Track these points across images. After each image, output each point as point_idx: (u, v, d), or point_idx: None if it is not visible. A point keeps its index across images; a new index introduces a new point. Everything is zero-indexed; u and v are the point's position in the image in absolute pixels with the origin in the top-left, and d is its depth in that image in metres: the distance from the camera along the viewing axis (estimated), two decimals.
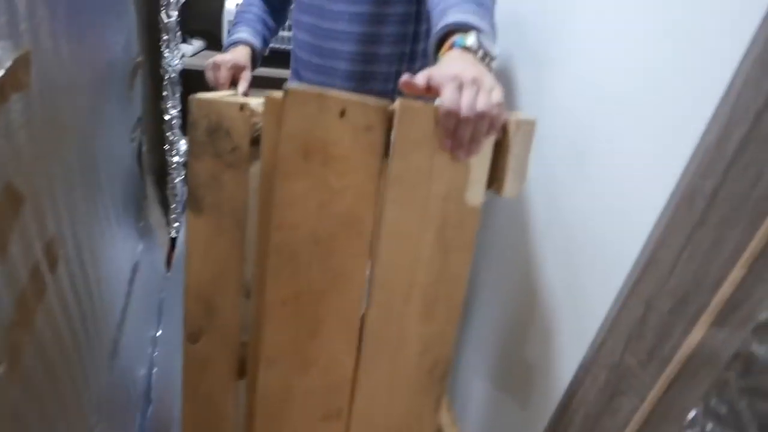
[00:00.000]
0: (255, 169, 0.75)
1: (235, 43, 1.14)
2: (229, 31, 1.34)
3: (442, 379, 0.86)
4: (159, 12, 1.62)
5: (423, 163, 0.70)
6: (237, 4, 1.78)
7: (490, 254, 1.24)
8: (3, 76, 0.48)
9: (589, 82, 0.90)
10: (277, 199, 0.70)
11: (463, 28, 0.71)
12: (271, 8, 1.25)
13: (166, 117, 1.79)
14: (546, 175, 1.00)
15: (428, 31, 1.09)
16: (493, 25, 0.76)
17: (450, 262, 0.77)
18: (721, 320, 0.60)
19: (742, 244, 0.56)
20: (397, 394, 0.85)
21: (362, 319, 0.79)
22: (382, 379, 0.83)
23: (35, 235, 0.59)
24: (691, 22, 0.68)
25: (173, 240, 1.91)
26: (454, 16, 0.72)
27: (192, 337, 0.81)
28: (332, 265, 0.74)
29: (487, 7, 0.77)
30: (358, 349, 0.80)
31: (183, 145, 1.90)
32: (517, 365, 1.10)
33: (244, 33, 1.15)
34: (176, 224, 1.93)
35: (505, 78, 1.20)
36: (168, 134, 1.82)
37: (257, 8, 1.22)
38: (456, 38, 0.70)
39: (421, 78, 0.65)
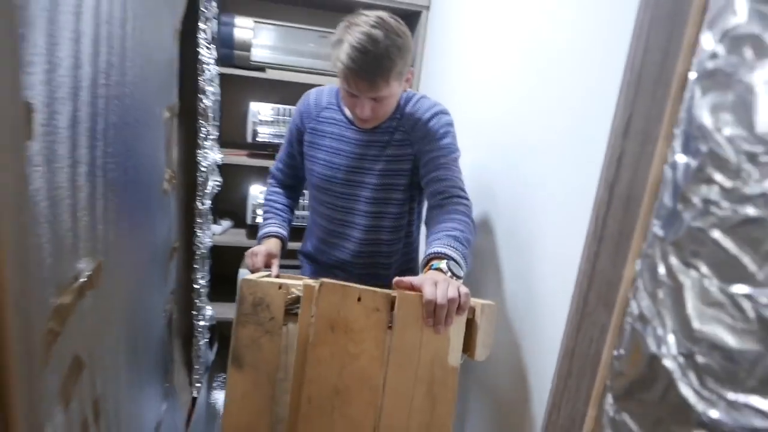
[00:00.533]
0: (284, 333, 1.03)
1: (267, 235, 1.41)
2: (257, 217, 1.63)
3: None
4: (195, 200, 1.97)
5: (415, 336, 0.97)
6: (260, 192, 2.15)
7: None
8: (83, 282, 0.72)
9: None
10: (309, 360, 0.96)
11: (440, 256, 1.05)
12: (293, 196, 1.56)
13: (196, 286, 2.05)
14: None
15: (419, 211, 1.47)
16: (465, 255, 1.08)
17: (437, 412, 0.99)
18: None
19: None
20: None
21: None
22: None
23: (88, 393, 0.79)
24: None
25: (194, 400, 2.04)
26: (435, 248, 1.07)
27: None
28: (350, 412, 0.97)
29: (462, 241, 1.10)
30: None
31: (209, 310, 2.14)
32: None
33: (274, 226, 1.43)
34: (198, 385, 2.08)
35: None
36: (196, 301, 2.06)
37: (283, 198, 1.52)
38: (433, 263, 1.05)
39: (407, 280, 0.98)
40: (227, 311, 2.17)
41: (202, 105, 1.85)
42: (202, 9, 1.76)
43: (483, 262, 1.39)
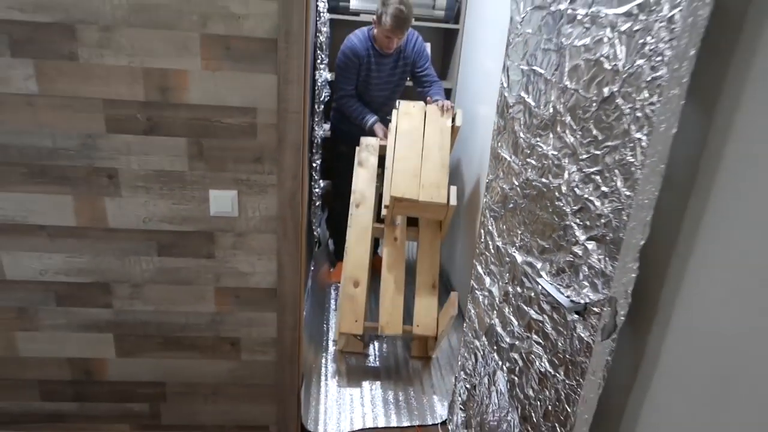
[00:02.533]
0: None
1: (375, 121, 2.68)
2: (361, 116, 2.74)
3: None
4: (314, 106, 3.01)
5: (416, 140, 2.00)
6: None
7: None
8: None
9: None
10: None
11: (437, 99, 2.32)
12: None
13: (314, 165, 3.12)
14: None
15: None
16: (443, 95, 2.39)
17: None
18: None
19: None
20: None
21: None
22: None
23: None
24: None
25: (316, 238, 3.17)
26: (436, 95, 2.42)
27: None
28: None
29: (442, 89, 2.37)
30: None
31: (321, 183, 3.22)
32: None
33: (374, 116, 2.75)
34: (318, 229, 3.20)
35: None
36: (315, 176, 3.15)
37: (361, 103, 2.72)
38: (436, 98, 2.39)
39: (430, 100, 2.40)
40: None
41: (320, 40, 2.87)
42: None
43: None
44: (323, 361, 2.45)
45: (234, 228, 1.63)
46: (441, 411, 2.18)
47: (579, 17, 1.13)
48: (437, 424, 2.13)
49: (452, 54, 3.31)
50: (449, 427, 2.04)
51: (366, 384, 2.32)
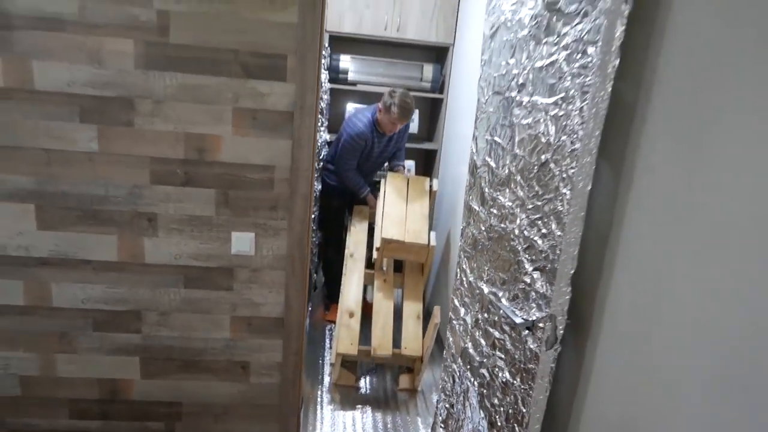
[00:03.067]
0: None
1: (368, 191, 3.09)
2: (359, 186, 3.14)
3: None
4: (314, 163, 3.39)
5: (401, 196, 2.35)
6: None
7: None
8: None
9: None
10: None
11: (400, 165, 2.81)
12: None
13: (312, 216, 3.47)
14: None
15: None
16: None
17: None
18: None
19: None
20: None
21: None
22: None
23: None
24: None
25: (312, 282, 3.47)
26: (399, 164, 2.94)
27: None
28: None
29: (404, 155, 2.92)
30: None
31: (317, 234, 3.55)
32: None
33: (367, 187, 3.12)
34: (314, 275, 3.50)
35: None
36: (313, 227, 3.49)
37: (360, 176, 3.11)
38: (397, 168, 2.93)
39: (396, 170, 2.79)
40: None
41: (321, 106, 3.28)
42: (323, 52, 3.19)
43: None
44: (319, 392, 2.69)
45: (250, 265, 1.94)
46: None
47: (524, 103, 1.51)
48: None
49: (437, 120, 3.74)
50: None
51: (357, 412, 2.56)
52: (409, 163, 3.78)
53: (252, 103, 1.78)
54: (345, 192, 3.23)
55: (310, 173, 1.86)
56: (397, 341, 2.77)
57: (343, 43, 3.60)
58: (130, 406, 2.06)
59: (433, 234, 2.90)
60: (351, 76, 3.51)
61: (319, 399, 2.63)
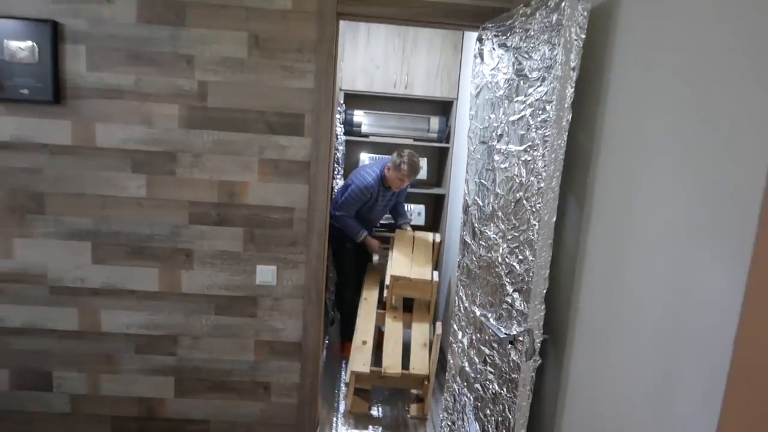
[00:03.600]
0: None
1: (365, 235, 3.33)
2: (356, 231, 3.44)
3: None
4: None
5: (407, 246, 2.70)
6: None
7: None
8: None
9: None
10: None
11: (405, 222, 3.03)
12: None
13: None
14: None
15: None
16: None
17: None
18: None
19: None
20: None
21: None
22: None
23: None
24: None
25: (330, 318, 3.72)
26: (404, 222, 3.15)
27: None
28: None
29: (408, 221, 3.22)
30: None
31: (332, 273, 3.83)
32: None
33: (365, 232, 3.38)
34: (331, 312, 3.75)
35: None
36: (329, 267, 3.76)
37: (358, 222, 3.38)
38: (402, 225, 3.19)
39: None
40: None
41: (337, 156, 3.62)
42: (338, 108, 3.56)
43: None
44: (334, 418, 2.89)
45: (272, 294, 2.21)
46: None
47: (502, 150, 1.80)
48: None
49: (445, 167, 4.05)
50: None
51: None
52: (419, 208, 4.07)
53: (275, 155, 2.10)
54: None
55: (325, 214, 2.15)
56: (405, 365, 3.00)
57: (357, 99, 3.98)
58: (164, 423, 2.30)
59: (435, 273, 3.24)
60: (364, 129, 3.86)
61: (334, 424, 2.82)
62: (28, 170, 2.07)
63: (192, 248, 2.16)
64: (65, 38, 1.99)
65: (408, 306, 3.47)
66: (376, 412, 3.01)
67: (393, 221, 3.82)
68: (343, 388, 3.23)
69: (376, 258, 3.36)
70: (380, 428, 2.78)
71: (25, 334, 2.20)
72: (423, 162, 4.03)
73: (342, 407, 3.01)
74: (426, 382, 2.94)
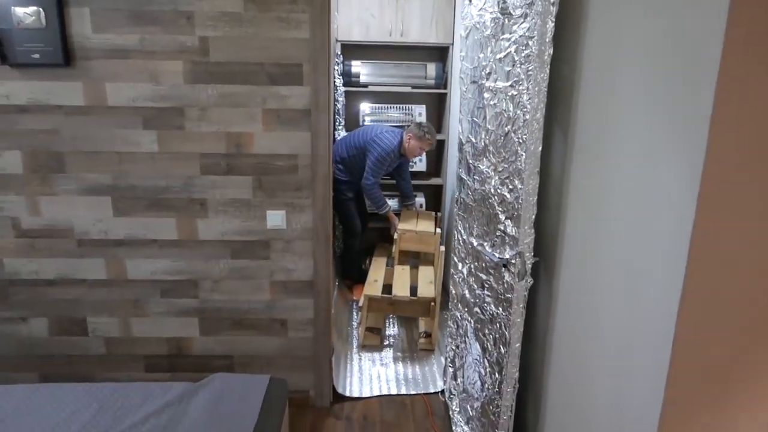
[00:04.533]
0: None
1: (389, 209, 3.60)
2: (383, 203, 3.61)
3: None
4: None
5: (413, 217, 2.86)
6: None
7: None
8: None
9: None
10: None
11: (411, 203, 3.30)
12: None
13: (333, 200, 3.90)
14: None
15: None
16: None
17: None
18: None
19: None
20: None
21: None
22: None
23: None
24: None
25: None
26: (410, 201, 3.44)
27: None
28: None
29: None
30: None
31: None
32: None
33: (389, 206, 3.63)
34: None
35: None
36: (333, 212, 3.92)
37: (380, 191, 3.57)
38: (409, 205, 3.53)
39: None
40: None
41: (337, 107, 3.71)
42: (335, 59, 3.62)
43: None
44: (349, 351, 3.11)
45: (283, 237, 2.37)
46: (440, 383, 2.81)
47: (491, 88, 1.90)
48: (437, 392, 2.75)
49: (443, 113, 4.13)
50: (444, 384, 2.67)
51: (382, 366, 2.96)
52: (418, 201, 4.25)
53: (276, 104, 2.21)
54: (355, 184, 3.65)
55: (328, 159, 2.28)
56: (413, 294, 3.26)
57: (353, 50, 4.03)
58: (193, 360, 2.52)
59: (438, 230, 3.57)
60: (363, 79, 3.93)
61: (349, 355, 3.05)
62: (46, 132, 2.20)
63: (205, 197, 2.30)
64: (69, 1, 2.07)
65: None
66: (387, 342, 3.23)
67: (402, 195, 4.03)
68: (355, 325, 3.45)
69: (396, 236, 3.60)
70: (391, 364, 3.00)
71: (59, 285, 2.38)
72: (422, 108, 4.10)
73: (355, 344, 3.23)
74: (432, 304, 3.15)
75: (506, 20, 1.78)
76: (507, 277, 1.85)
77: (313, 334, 2.51)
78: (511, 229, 1.81)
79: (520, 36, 1.68)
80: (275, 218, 2.33)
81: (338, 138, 3.78)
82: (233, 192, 2.30)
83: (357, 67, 3.91)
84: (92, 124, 2.21)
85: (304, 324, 2.50)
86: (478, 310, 2.10)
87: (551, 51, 1.60)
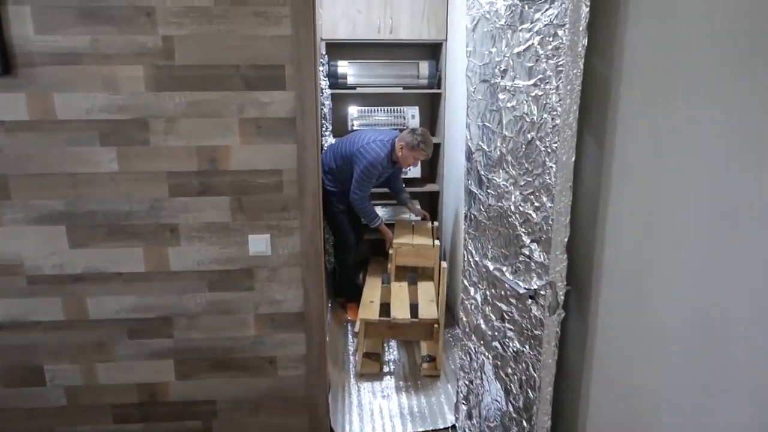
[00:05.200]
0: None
1: (380, 222, 3.29)
2: (373, 216, 3.34)
3: None
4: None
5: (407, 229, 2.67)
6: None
7: None
8: None
9: None
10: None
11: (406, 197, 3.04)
12: None
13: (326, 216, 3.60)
14: None
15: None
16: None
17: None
18: None
19: None
20: None
21: None
22: None
23: None
24: None
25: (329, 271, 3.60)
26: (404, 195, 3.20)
27: None
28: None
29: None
30: None
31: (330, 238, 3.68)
32: None
33: (380, 219, 3.33)
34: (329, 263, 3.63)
35: None
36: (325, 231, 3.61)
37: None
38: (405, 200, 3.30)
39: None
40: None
41: (323, 112, 3.40)
42: (320, 59, 3.31)
43: None
44: (346, 382, 2.81)
45: (268, 264, 2.06)
46: (450, 416, 2.52)
47: (507, 87, 1.61)
48: (447, 428, 2.47)
49: (438, 114, 3.84)
50: (456, 421, 2.38)
51: (383, 399, 2.67)
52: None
53: (255, 113, 1.90)
54: (346, 194, 3.33)
55: (317, 172, 1.98)
56: (414, 315, 2.95)
57: (339, 49, 3.72)
58: (169, 407, 2.20)
59: (437, 241, 3.26)
60: (350, 80, 3.63)
61: (347, 387, 2.75)
62: None
63: (176, 222, 1.99)
64: None
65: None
66: (387, 369, 2.94)
67: (395, 197, 3.67)
68: (351, 350, 3.15)
69: (391, 251, 3.27)
70: (393, 396, 2.71)
71: (8, 329, 2.05)
72: (415, 110, 3.82)
73: (352, 372, 2.93)
74: (436, 326, 2.85)
75: (526, 7, 1.49)
76: (535, 310, 1.57)
77: (305, 371, 2.21)
78: (538, 254, 1.53)
79: (546, 25, 1.40)
80: (258, 243, 2.03)
81: (326, 146, 3.47)
82: (209, 215, 1.99)
83: (344, 67, 3.60)
84: (40, 142, 1.88)
85: (296, 361, 2.19)
86: (498, 345, 1.82)
87: (585, 41, 1.32)
